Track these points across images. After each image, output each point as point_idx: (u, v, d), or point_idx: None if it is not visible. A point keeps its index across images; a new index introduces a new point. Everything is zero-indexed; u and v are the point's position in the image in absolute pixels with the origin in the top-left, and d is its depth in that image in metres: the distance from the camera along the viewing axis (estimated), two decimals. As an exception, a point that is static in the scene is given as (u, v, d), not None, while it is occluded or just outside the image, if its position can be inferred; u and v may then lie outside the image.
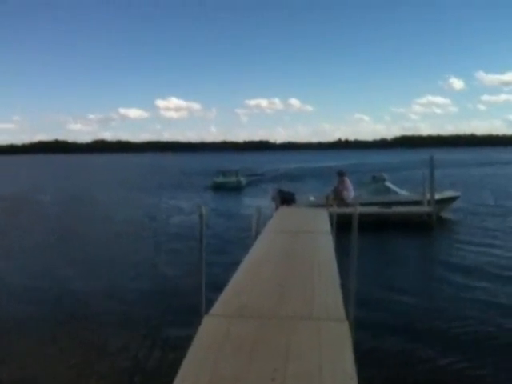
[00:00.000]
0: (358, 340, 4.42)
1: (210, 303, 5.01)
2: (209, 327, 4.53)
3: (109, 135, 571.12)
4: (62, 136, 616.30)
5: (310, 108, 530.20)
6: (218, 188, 30.90)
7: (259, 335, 4.36)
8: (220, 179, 32.97)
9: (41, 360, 5.79)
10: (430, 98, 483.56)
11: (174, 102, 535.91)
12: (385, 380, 5.08)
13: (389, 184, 16.10)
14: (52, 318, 7.23)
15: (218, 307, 5.07)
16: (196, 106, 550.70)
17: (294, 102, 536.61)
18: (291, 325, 4.58)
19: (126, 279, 9.49)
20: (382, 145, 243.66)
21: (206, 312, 4.85)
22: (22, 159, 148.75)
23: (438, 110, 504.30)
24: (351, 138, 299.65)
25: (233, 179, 32.84)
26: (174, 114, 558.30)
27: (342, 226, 10.54)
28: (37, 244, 13.34)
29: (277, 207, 13.80)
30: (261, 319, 4.74)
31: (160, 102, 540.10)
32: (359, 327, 4.77)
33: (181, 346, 4.35)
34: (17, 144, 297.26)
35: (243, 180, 33.61)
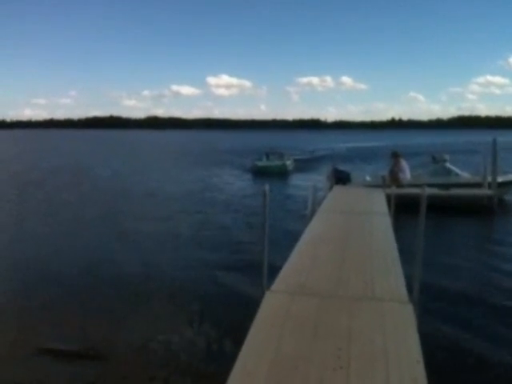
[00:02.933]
0: (422, 323, 4.31)
1: (270, 279, 5.05)
2: (271, 303, 4.57)
3: (161, 111, 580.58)
4: (116, 112, 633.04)
5: (362, 86, 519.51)
6: (260, 172, 25.96)
7: (321, 314, 4.36)
8: (263, 162, 28.09)
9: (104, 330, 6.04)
10: (489, 77, 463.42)
11: (225, 79, 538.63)
12: (450, 364, 4.96)
13: (449, 165, 15.56)
14: (110, 291, 7.51)
15: (278, 284, 5.10)
16: (247, 83, 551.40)
17: (346, 80, 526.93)
18: (352, 305, 4.55)
19: (186, 253, 9.70)
20: (437, 125, 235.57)
21: (268, 288, 4.89)
22: (78, 133, 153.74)
23: (496, 90, 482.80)
24: (405, 117, 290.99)
25: (277, 163, 27.68)
26: (225, 91, 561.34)
27: (399, 208, 10.35)
28: (94, 217, 13.81)
29: (331, 186, 13.65)
30: (322, 298, 4.73)
31: (211, 79, 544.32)
32: (423, 310, 4.68)
33: (243, 321, 4.39)
34: (73, 119, 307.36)
35: (290, 164, 28.40)
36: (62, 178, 24.48)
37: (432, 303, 6.25)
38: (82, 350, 5.37)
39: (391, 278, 5.33)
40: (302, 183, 20.11)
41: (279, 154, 29.94)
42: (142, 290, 7.44)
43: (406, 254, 6.18)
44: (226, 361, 3.71)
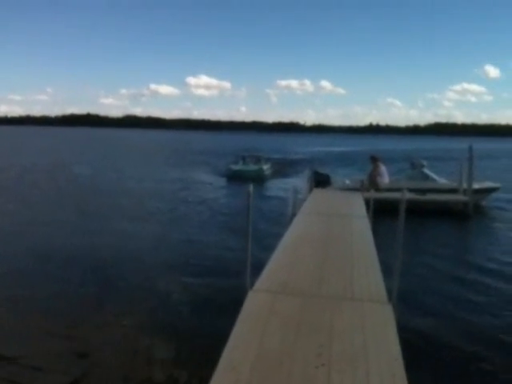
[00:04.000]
0: (401, 322, 4.43)
1: (253, 279, 5.12)
2: (254, 302, 4.65)
3: (139, 110, 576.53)
4: (93, 109, 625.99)
5: (341, 91, 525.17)
6: (235, 177, 24.00)
7: (303, 312, 4.45)
8: (238, 166, 26.11)
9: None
10: (465, 85, 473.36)
11: (205, 79, 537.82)
12: (430, 362, 5.11)
13: (427, 171, 15.88)
14: (89, 285, 7.51)
15: (261, 283, 5.18)
16: (226, 84, 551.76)
17: (326, 84, 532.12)
18: (333, 304, 4.66)
19: (169, 253, 9.70)
20: (414, 131, 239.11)
21: (251, 287, 4.97)
22: (55, 131, 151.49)
23: (472, 98, 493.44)
24: (382, 122, 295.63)
25: (254, 167, 25.57)
26: (205, 91, 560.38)
27: (377, 211, 10.55)
28: (67, 215, 13.70)
29: (311, 189, 13.80)
30: (304, 297, 4.83)
31: (191, 80, 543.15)
32: (401, 310, 4.82)
33: (226, 318, 4.44)
34: (50, 116, 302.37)
35: (267, 168, 26.45)
36: (38, 176, 24.12)
37: (410, 303, 6.43)
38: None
39: (371, 278, 5.46)
40: (279, 189, 19.92)
41: (256, 157, 28.57)
42: (114, 288, 7.46)
43: (384, 256, 6.34)
44: (211, 356, 3.75)
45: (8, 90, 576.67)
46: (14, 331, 5.80)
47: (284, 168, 30.44)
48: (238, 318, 4.27)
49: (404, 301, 5.56)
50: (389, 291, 4.87)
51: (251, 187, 4.94)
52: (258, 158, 27.78)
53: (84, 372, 4.83)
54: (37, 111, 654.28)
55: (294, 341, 3.89)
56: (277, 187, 21.03)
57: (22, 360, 5.03)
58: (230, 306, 4.88)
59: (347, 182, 15.92)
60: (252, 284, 5.05)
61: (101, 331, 5.84)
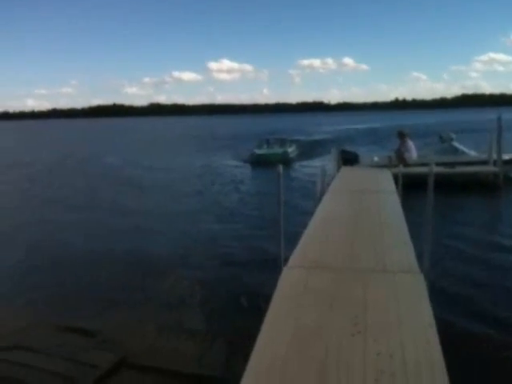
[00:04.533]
0: (433, 293, 4.53)
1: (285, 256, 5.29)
2: (289, 278, 4.81)
3: (163, 98, 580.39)
4: (118, 100, 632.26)
5: (364, 67, 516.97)
6: (259, 162, 23.01)
7: (337, 286, 4.59)
8: (262, 150, 25.03)
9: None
10: (492, 54, 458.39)
11: (226, 63, 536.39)
12: (462, 330, 5.21)
13: (456, 144, 15.68)
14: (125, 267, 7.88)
15: (294, 260, 5.34)
16: (248, 67, 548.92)
17: (348, 61, 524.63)
18: (366, 277, 4.79)
19: (205, 232, 10.09)
20: (441, 104, 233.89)
21: (285, 264, 5.13)
22: (82, 123, 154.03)
23: (500, 68, 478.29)
24: (408, 97, 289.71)
25: (278, 150, 24.51)
26: (227, 76, 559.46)
27: (406, 187, 10.55)
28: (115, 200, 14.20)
29: (339, 167, 13.82)
30: (337, 271, 4.97)
31: (212, 64, 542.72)
32: (433, 281, 4.92)
33: (262, 296, 4.62)
34: (76, 108, 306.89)
35: (292, 151, 25.52)
36: (69, 168, 24.77)
37: (442, 272, 6.52)
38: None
39: (402, 251, 5.56)
40: (305, 170, 19.61)
41: (281, 140, 27.50)
42: (159, 265, 7.90)
43: (415, 229, 6.40)
44: (251, 331, 3.93)
45: (34, 84, 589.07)
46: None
47: (310, 149, 29.47)
48: (273, 294, 4.43)
49: (436, 270, 5.65)
50: (420, 262, 4.98)
51: (281, 167, 5.08)
52: (283, 141, 26.93)
53: (116, 362, 4.88)
54: (63, 104, 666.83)
55: (329, 313, 4.04)
56: (303, 169, 20.64)
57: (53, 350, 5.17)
58: (265, 283, 5.06)
59: (375, 158, 15.85)
60: (285, 261, 5.22)
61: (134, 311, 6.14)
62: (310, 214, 7.91)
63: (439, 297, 5.19)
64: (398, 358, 3.30)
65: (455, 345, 4.43)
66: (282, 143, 26.38)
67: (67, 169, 24.33)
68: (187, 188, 16.41)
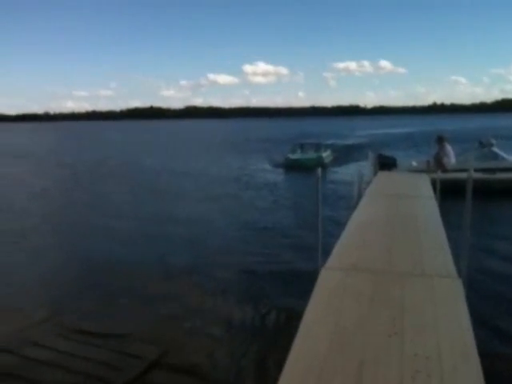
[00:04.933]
0: (470, 298, 4.57)
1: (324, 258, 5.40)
2: (327, 279, 4.91)
3: (200, 101, 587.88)
4: (156, 102, 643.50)
5: (401, 70, 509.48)
6: (293, 167, 22.71)
7: (375, 288, 4.67)
8: (296, 155, 24.57)
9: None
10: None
11: (262, 66, 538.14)
12: (500, 336, 5.21)
13: (496, 149, 15.38)
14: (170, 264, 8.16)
15: (332, 262, 5.44)
16: (283, 70, 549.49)
17: (385, 64, 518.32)
18: (404, 280, 4.84)
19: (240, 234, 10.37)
20: (480, 109, 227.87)
21: (322, 266, 5.25)
22: (120, 124, 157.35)
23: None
24: (447, 101, 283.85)
25: (313, 155, 24.01)
26: (262, 79, 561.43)
27: (445, 193, 10.46)
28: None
29: (375, 172, 13.79)
30: (374, 274, 5.05)
31: (248, 67, 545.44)
32: (471, 286, 4.94)
33: (299, 297, 4.74)
34: (115, 110, 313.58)
35: (327, 156, 25.00)
36: (112, 169, 25.48)
37: (480, 280, 6.49)
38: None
39: (439, 255, 5.59)
40: (341, 176, 19.14)
41: (316, 144, 26.95)
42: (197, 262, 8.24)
43: (453, 235, 6.40)
44: (289, 326, 4.08)
45: (73, 86, 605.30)
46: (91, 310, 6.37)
47: (345, 154, 28.98)
48: (312, 294, 4.55)
49: (474, 277, 5.65)
50: (458, 268, 5.00)
51: (319, 170, 5.22)
52: (318, 146, 26.45)
53: (160, 354, 5.05)
54: (102, 106, 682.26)
55: (367, 314, 4.13)
56: (338, 175, 20.19)
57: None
58: (303, 283, 5.19)
59: (414, 163, 15.73)
60: (323, 263, 5.33)
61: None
62: (345, 219, 8.00)
63: (477, 301, 5.20)
64: (434, 360, 3.36)
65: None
66: (316, 148, 25.92)
67: (107, 170, 25.02)
68: (219, 190, 16.70)
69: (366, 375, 3.22)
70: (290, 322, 4.20)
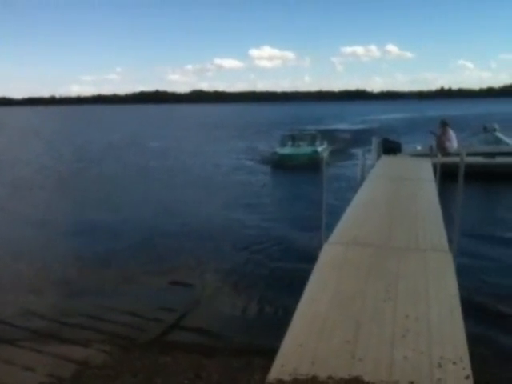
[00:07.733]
0: (460, 271, 4.98)
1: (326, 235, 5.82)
2: (329, 252, 5.35)
3: (205, 85, 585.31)
4: (161, 86, 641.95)
5: (409, 55, 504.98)
6: (282, 164, 18.07)
7: (373, 260, 5.10)
8: (286, 149, 19.51)
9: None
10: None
11: (268, 51, 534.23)
12: (485, 304, 5.65)
13: (499, 134, 15.64)
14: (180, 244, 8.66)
15: (334, 237, 5.87)
16: (290, 54, 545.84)
17: (392, 48, 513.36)
18: (400, 254, 5.28)
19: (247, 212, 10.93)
20: (488, 94, 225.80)
21: (325, 240, 5.68)
22: (126, 109, 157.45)
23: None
24: (455, 86, 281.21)
25: (305, 150, 18.99)
26: (268, 63, 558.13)
27: (445, 176, 10.80)
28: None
29: (379, 156, 14.11)
30: (373, 248, 5.48)
31: (254, 52, 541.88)
32: (462, 260, 5.36)
33: (304, 269, 5.16)
34: (120, 94, 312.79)
35: (323, 149, 18.88)
36: (118, 152, 25.90)
37: (471, 254, 6.94)
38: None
39: (434, 232, 6.04)
40: (341, 178, 14.49)
41: (310, 135, 21.88)
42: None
43: (449, 215, 6.78)
44: (293, 293, 4.51)
45: (79, 71, 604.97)
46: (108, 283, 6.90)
47: (346, 144, 25.53)
48: (315, 265, 4.98)
49: (467, 252, 6.06)
50: (451, 243, 5.43)
51: (326, 153, 5.62)
52: (313, 136, 21.43)
53: (176, 319, 5.57)
54: (107, 90, 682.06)
55: (365, 282, 4.55)
56: (337, 174, 14.93)
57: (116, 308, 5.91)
58: (307, 256, 5.62)
59: (418, 147, 16.05)
60: (326, 239, 5.75)
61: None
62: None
63: (464, 273, 5.62)
64: (423, 321, 3.79)
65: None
66: (311, 139, 20.98)
67: (118, 151, 25.59)
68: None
69: (362, 333, 3.64)
70: (295, 286, 4.69)
